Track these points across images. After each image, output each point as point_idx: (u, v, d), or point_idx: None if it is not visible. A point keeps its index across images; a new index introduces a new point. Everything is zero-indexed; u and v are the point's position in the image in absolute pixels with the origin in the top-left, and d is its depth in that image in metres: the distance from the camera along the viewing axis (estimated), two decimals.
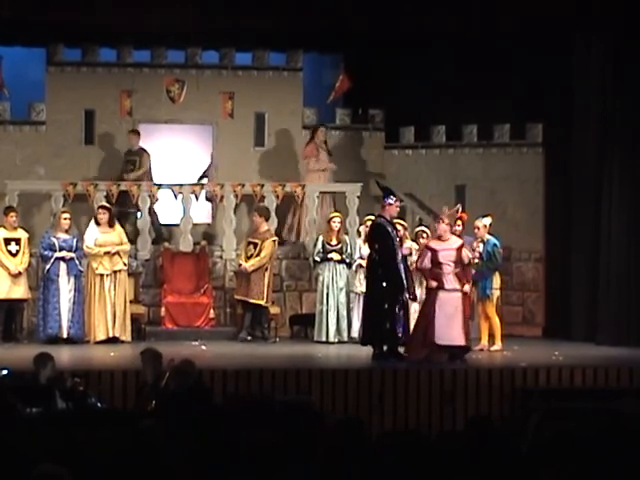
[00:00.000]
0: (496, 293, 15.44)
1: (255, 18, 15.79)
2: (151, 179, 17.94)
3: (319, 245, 16.66)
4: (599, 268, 16.22)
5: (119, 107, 18.79)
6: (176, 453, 6.74)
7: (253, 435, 7.01)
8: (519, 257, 17.72)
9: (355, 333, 16.30)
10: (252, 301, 16.62)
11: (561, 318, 17.07)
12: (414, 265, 15.04)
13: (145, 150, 18.13)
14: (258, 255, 16.62)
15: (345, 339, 16.38)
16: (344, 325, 16.46)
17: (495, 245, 15.54)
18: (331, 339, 16.35)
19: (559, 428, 7.31)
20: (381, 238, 14.39)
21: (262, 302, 16.67)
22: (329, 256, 16.55)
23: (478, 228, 15.64)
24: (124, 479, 5.86)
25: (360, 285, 16.33)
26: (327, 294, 16.49)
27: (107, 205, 16.62)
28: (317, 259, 16.63)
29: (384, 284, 14.21)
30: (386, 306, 14.16)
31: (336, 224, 16.69)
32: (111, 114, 18.91)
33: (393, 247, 14.33)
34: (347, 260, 16.60)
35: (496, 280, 15.50)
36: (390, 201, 14.51)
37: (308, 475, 6.20)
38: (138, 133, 18.20)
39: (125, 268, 16.21)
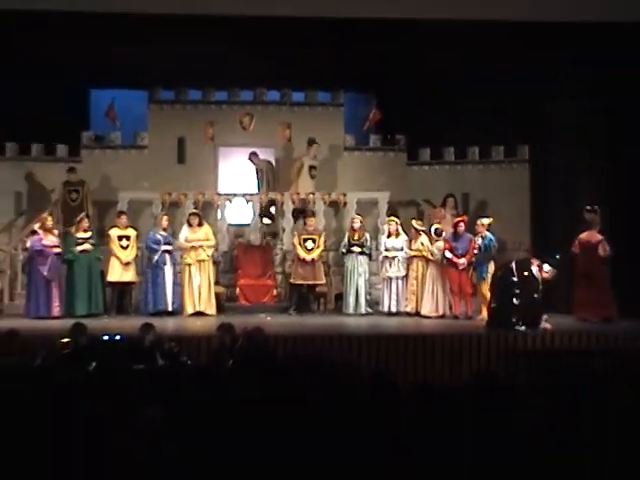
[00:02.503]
0: (489, 276, 15.34)
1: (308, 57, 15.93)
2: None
3: (345, 240, 16.64)
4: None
5: (204, 134, 18.84)
6: (248, 401, 6.75)
7: (308, 386, 7.01)
8: (511, 247, 17.62)
9: (386, 308, 16.28)
10: (319, 282, 16.70)
11: (544, 294, 16.94)
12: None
13: (84, 181, 17.86)
14: (318, 247, 16.66)
15: (363, 312, 16.29)
16: (362, 301, 16.36)
17: (491, 240, 15.48)
18: (351, 312, 16.28)
19: (542, 382, 7.28)
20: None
21: (323, 282, 16.81)
22: (352, 249, 16.52)
23: (478, 226, 15.59)
24: (206, 419, 5.88)
25: (386, 271, 16.31)
26: (350, 278, 16.45)
27: (196, 211, 16.78)
28: (344, 251, 16.59)
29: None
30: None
31: (356, 224, 16.64)
32: (198, 140, 18.97)
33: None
34: (367, 252, 16.58)
35: (490, 267, 15.39)
36: (547, 269, 13.91)
37: (350, 415, 6.17)
38: (75, 169, 17.87)
39: (208, 258, 16.25)
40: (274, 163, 19.00)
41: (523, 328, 13.46)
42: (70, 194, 17.58)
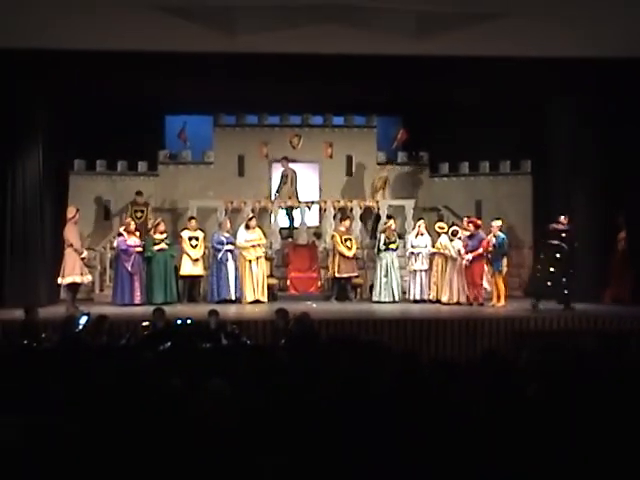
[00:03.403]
0: (504, 269, 15.31)
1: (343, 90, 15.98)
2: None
3: (382, 240, 16.58)
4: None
5: (259, 152, 18.94)
6: (298, 372, 6.79)
7: (346, 362, 7.02)
8: (517, 246, 17.57)
9: (412, 296, 16.26)
10: (355, 274, 16.66)
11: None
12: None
13: (148, 203, 17.87)
14: (354, 245, 16.69)
15: (397, 300, 16.23)
16: (397, 290, 16.30)
17: (503, 239, 15.41)
18: (383, 300, 16.21)
19: (541, 358, 7.24)
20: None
21: (357, 273, 16.77)
22: (390, 247, 16.49)
23: (492, 227, 15.53)
24: (263, 389, 5.91)
25: (412, 265, 16.31)
26: (387, 271, 16.39)
27: (253, 215, 16.80)
28: (382, 248, 16.52)
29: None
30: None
31: (393, 226, 16.60)
32: (254, 157, 19.08)
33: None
34: (397, 249, 16.54)
35: (504, 261, 15.36)
36: (561, 218, 14.68)
37: (379, 384, 6.18)
38: (142, 193, 17.83)
39: (263, 255, 16.34)
40: (319, 175, 19.06)
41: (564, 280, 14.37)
42: (136, 213, 17.70)
